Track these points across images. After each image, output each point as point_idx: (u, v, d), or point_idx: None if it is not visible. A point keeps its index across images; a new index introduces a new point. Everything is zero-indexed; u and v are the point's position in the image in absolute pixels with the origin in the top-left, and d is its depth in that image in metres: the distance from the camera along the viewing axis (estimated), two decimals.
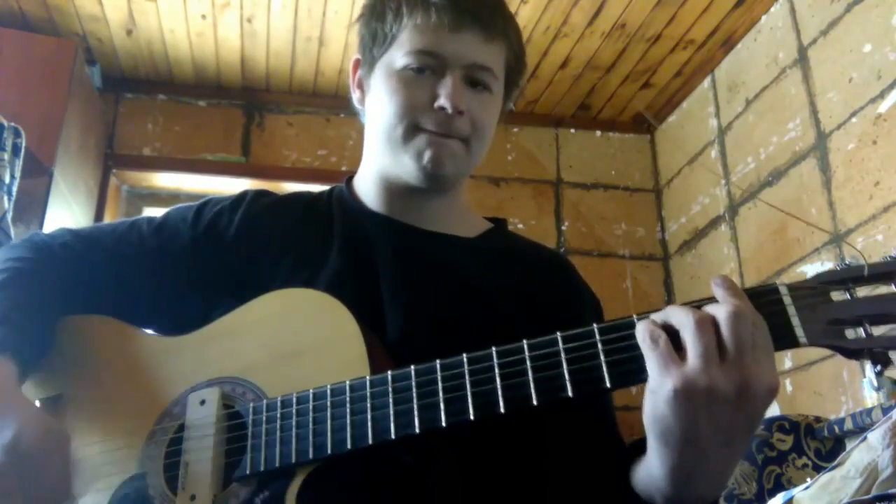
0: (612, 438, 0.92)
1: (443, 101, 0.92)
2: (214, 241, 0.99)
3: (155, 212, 3.55)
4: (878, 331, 0.64)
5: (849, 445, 1.76)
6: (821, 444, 2.22)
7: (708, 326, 0.63)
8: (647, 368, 0.65)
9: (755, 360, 0.63)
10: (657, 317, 0.67)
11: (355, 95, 1.05)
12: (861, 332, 0.64)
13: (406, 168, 0.95)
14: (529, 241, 1.10)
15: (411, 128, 0.94)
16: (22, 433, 0.78)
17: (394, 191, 1.00)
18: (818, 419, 2.26)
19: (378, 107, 0.97)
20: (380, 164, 1.00)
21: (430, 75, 0.94)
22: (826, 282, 0.67)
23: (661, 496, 0.71)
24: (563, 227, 3.51)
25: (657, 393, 0.64)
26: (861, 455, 1.57)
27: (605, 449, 0.87)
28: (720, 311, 0.64)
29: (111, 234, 1.02)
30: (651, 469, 0.70)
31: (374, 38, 0.99)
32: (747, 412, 0.64)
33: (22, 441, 0.77)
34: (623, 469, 0.77)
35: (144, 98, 3.42)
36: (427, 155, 0.93)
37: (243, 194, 1.05)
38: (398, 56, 0.95)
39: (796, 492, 1.66)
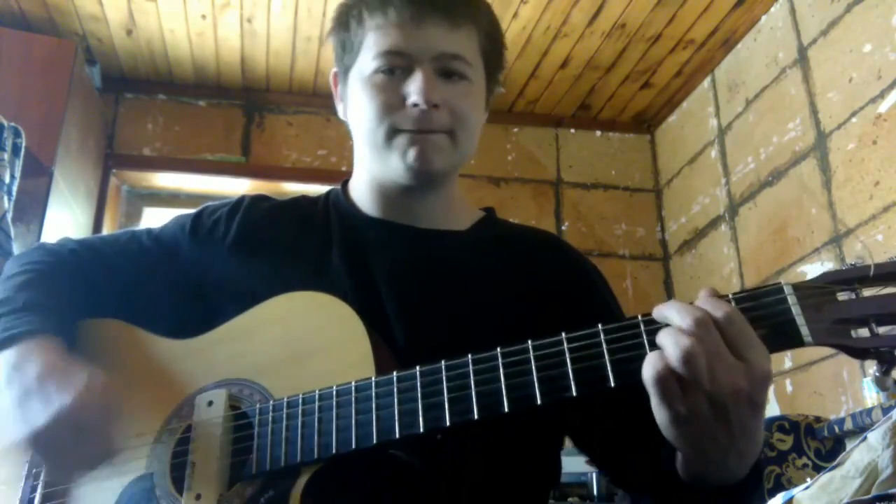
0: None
1: (414, 98, 0.91)
2: (213, 249, 1.00)
3: (155, 212, 3.56)
4: (884, 330, 0.64)
5: (849, 445, 1.76)
6: (821, 444, 2.22)
7: (691, 353, 0.63)
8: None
9: (735, 357, 0.63)
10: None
11: (339, 108, 1.04)
12: (867, 331, 0.64)
13: (394, 169, 0.95)
14: (520, 226, 1.09)
15: (391, 130, 0.93)
16: (80, 398, 0.80)
17: (387, 193, 1.00)
18: (818, 419, 2.26)
19: (357, 115, 0.97)
20: (370, 169, 1.00)
21: (400, 74, 0.93)
22: (831, 281, 0.66)
23: (701, 479, 0.72)
24: (564, 227, 3.51)
25: (661, 418, 0.66)
26: (861, 455, 1.56)
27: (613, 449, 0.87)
28: (684, 324, 0.64)
29: (113, 244, 1.04)
30: (683, 461, 0.72)
31: (344, 48, 0.99)
32: (748, 401, 0.64)
33: (75, 408, 0.80)
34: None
35: (144, 98, 3.42)
36: (412, 154, 0.92)
37: (240, 200, 1.05)
38: (366, 61, 0.95)
39: (796, 492, 1.66)
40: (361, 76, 0.95)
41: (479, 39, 0.98)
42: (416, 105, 0.91)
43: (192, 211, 1.06)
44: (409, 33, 0.92)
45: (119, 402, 0.83)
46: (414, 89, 0.91)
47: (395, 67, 0.93)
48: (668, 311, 0.66)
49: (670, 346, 0.63)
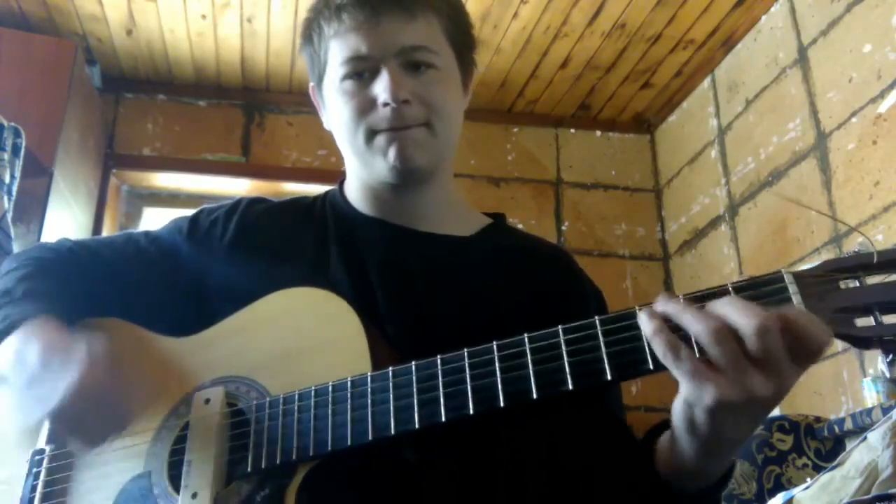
0: (619, 430, 0.91)
1: (383, 97, 0.91)
2: (211, 249, 1.00)
3: (155, 212, 3.56)
4: (888, 319, 0.62)
5: (849, 445, 1.76)
6: (821, 444, 2.21)
7: (727, 337, 0.61)
8: (679, 380, 0.64)
9: (794, 362, 0.62)
10: (659, 310, 0.65)
11: (324, 120, 1.05)
12: (871, 320, 0.62)
13: (379, 170, 0.95)
14: (529, 237, 1.08)
15: (368, 133, 0.94)
16: (86, 370, 0.80)
17: (379, 193, 1.00)
18: (818, 419, 2.26)
19: (336, 123, 0.98)
20: (358, 174, 1.01)
21: (368, 77, 0.93)
22: (834, 269, 0.64)
23: (686, 474, 0.73)
24: (563, 227, 3.51)
25: (695, 405, 0.64)
26: (861, 455, 1.57)
27: (612, 441, 0.87)
28: (747, 328, 0.60)
29: (110, 245, 1.04)
30: (679, 455, 0.71)
31: (313, 62, 1.00)
32: (777, 401, 0.64)
33: (85, 375, 0.80)
34: (643, 455, 0.78)
35: (144, 98, 3.42)
36: (392, 152, 0.93)
37: (238, 202, 1.06)
38: (334, 70, 0.95)
39: (796, 492, 1.66)
40: (333, 86, 0.96)
41: (441, 24, 0.97)
42: (386, 104, 0.91)
43: (188, 213, 1.07)
44: (366, 35, 0.92)
45: (124, 363, 0.84)
46: (381, 89, 0.91)
47: (362, 71, 0.93)
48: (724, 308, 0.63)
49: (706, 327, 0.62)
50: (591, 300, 1.00)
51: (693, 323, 0.62)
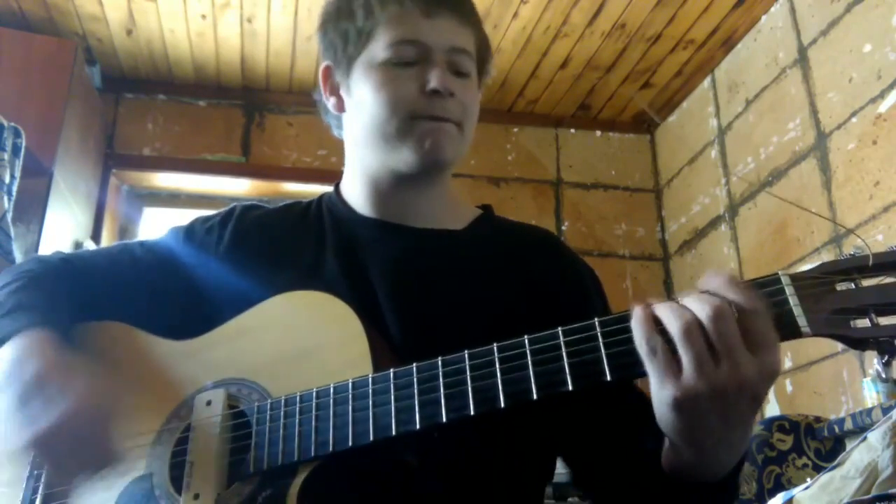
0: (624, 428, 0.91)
1: (434, 84, 0.92)
2: (208, 255, 1.01)
3: (155, 212, 3.55)
4: (884, 320, 0.63)
5: (849, 445, 1.76)
6: (821, 444, 2.22)
7: (694, 331, 0.62)
8: (649, 374, 0.65)
9: (750, 352, 0.62)
10: (651, 315, 0.66)
11: (330, 103, 1.03)
12: (867, 321, 0.63)
13: (405, 158, 0.94)
14: (518, 224, 1.09)
15: (407, 119, 0.93)
16: (77, 405, 0.80)
17: (382, 190, 1.00)
18: (818, 419, 2.26)
19: (365, 105, 0.95)
20: (367, 164, 0.99)
21: (414, 64, 0.94)
22: (830, 272, 0.65)
23: (683, 467, 0.72)
24: (564, 227, 3.51)
25: (659, 400, 0.65)
26: (861, 455, 1.57)
27: (618, 442, 0.87)
28: (702, 313, 0.63)
29: (106, 256, 1.05)
30: (670, 447, 0.72)
31: (347, 38, 0.98)
32: (752, 396, 0.64)
33: (78, 412, 0.79)
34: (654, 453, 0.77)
35: (144, 98, 3.42)
36: (429, 141, 0.93)
37: (232, 209, 1.06)
38: (378, 50, 0.94)
39: (796, 492, 1.66)
40: (371, 65, 0.95)
41: (476, 36, 1.00)
42: (435, 92, 0.92)
43: (186, 218, 1.08)
44: (423, 24, 0.94)
45: (119, 405, 0.83)
46: (434, 76, 0.92)
47: (411, 57, 0.94)
48: (688, 300, 0.65)
49: (673, 318, 0.63)
50: (585, 277, 1.01)
51: (666, 318, 0.64)
